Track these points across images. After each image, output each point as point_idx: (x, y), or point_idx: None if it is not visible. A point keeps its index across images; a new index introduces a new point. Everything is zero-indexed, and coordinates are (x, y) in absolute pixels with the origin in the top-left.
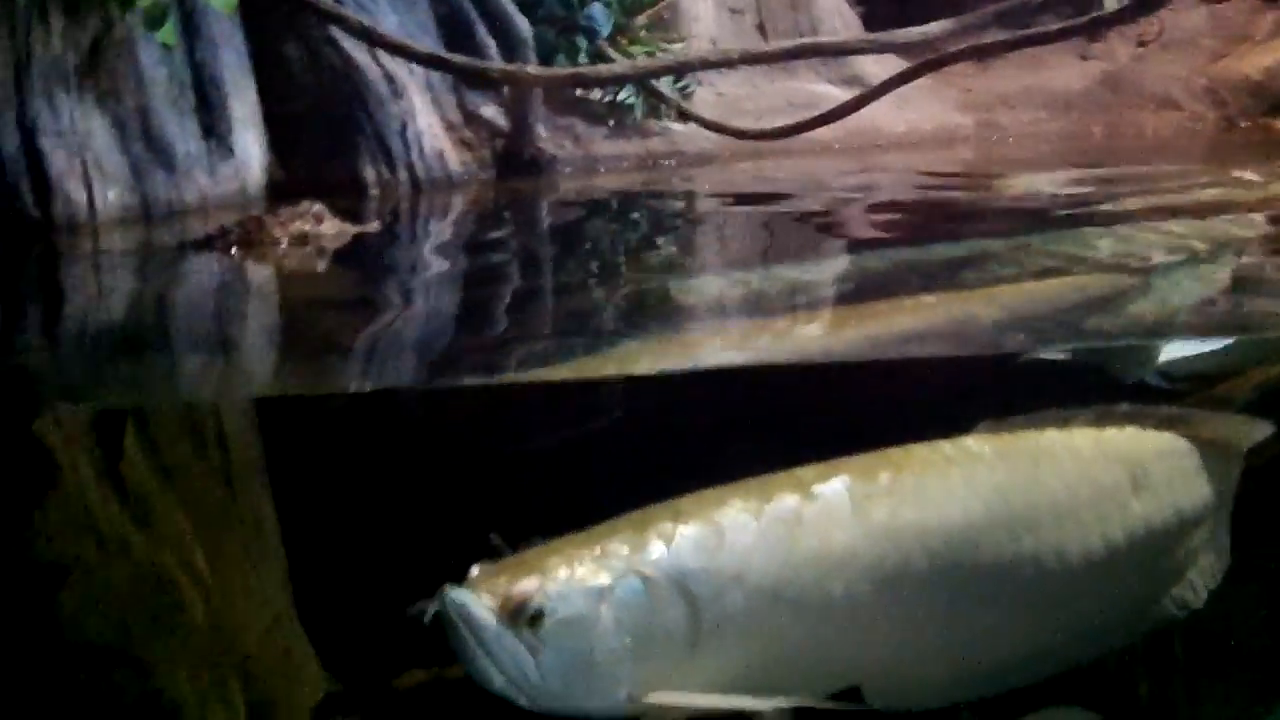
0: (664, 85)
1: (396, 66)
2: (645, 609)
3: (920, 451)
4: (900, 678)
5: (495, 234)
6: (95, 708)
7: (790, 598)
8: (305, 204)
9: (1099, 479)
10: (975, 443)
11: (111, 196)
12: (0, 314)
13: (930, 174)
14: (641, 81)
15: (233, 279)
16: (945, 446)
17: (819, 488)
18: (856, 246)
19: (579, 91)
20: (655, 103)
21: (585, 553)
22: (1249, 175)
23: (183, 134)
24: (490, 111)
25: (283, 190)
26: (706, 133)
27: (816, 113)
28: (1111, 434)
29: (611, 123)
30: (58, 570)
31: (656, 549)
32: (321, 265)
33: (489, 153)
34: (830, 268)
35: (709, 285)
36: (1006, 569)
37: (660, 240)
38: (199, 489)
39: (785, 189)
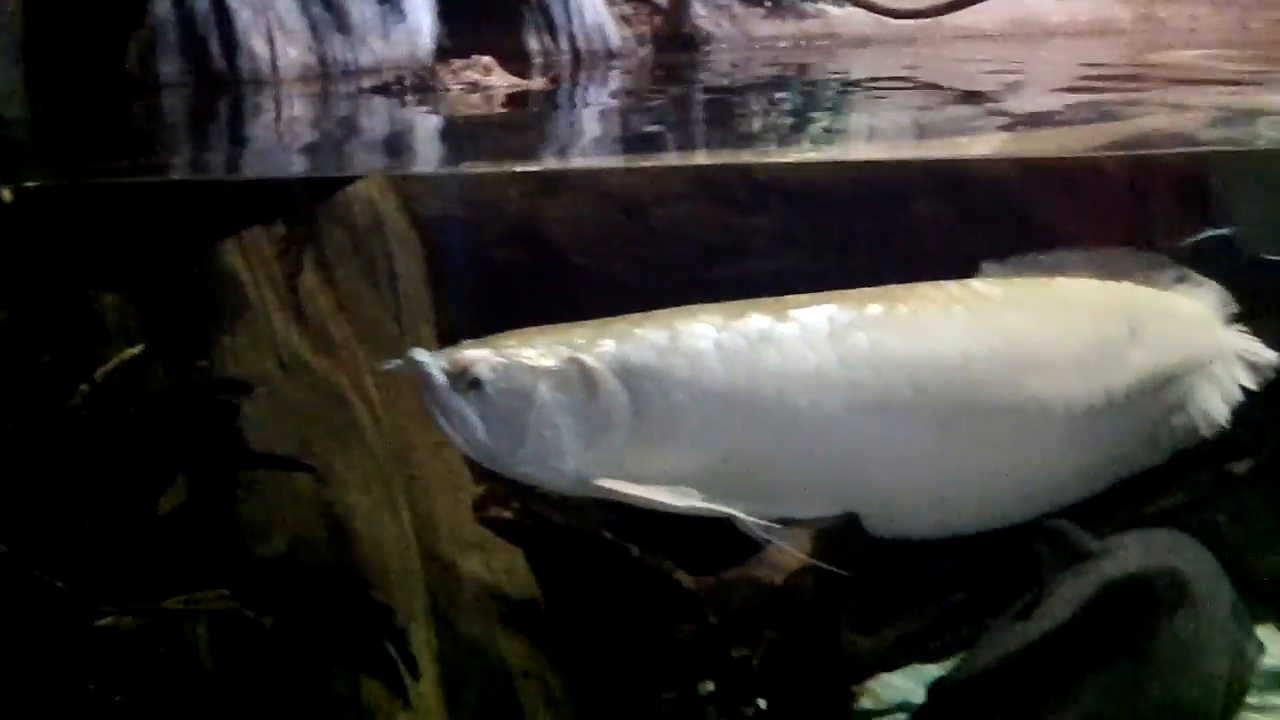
0: None
1: None
2: (585, 395)
3: (924, 289)
4: (886, 505)
5: (652, 91)
6: (277, 511)
7: (746, 409)
8: (475, 57)
9: (1102, 328)
10: (982, 284)
11: (293, 54)
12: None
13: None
14: None
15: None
16: (951, 286)
17: (799, 311)
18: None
19: None
20: None
21: (546, 338)
22: None
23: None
24: None
25: (451, 57)
26: (863, 16)
27: None
28: (1113, 285)
29: (769, 3)
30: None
31: (607, 344)
32: (493, 105)
33: (648, 28)
34: None
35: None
36: (1008, 408)
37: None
38: (370, 314)
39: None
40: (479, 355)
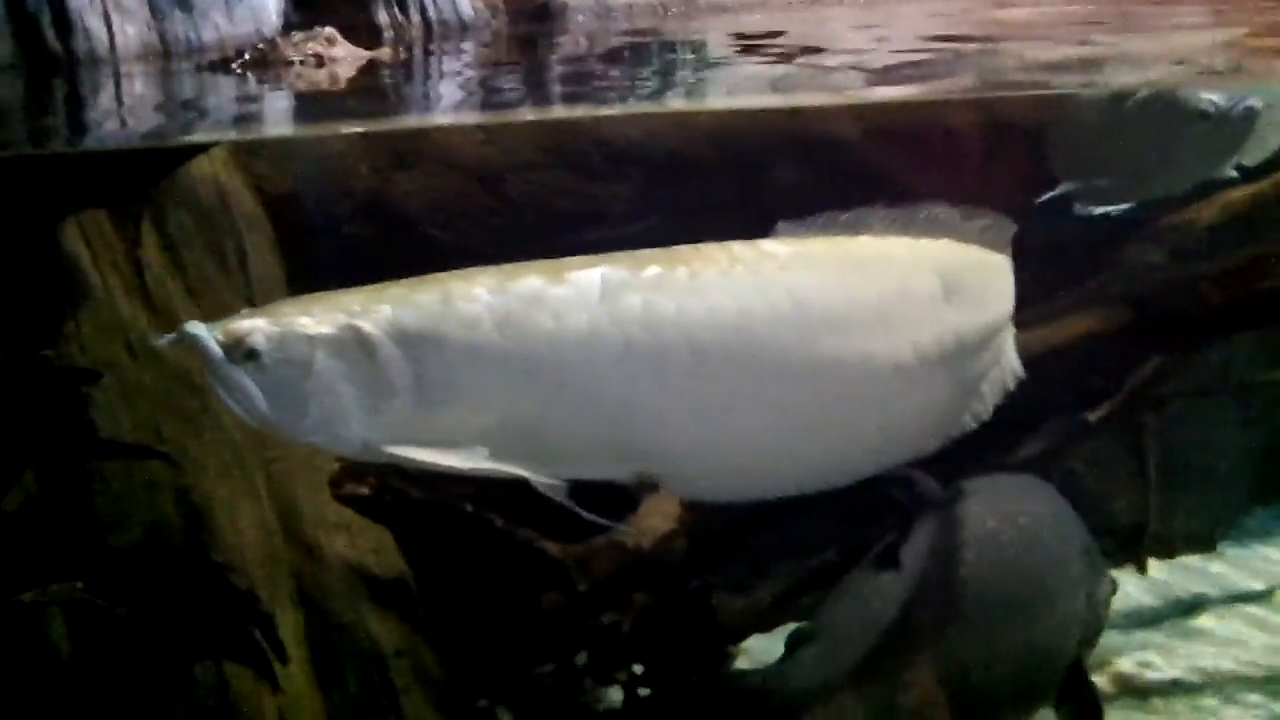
0: None
1: None
2: (363, 362)
3: (709, 250)
4: (680, 466)
5: (505, 61)
6: (131, 500)
7: (520, 371)
8: (317, 29)
9: (908, 285)
10: (772, 244)
11: (131, 32)
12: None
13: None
14: None
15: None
16: (736, 246)
17: (574, 273)
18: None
19: None
20: None
21: (322, 305)
22: None
23: None
24: None
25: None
26: None
27: None
28: (922, 242)
29: None
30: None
31: (383, 309)
32: (338, 77)
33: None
34: None
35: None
36: (799, 368)
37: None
38: (221, 296)
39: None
40: (254, 325)
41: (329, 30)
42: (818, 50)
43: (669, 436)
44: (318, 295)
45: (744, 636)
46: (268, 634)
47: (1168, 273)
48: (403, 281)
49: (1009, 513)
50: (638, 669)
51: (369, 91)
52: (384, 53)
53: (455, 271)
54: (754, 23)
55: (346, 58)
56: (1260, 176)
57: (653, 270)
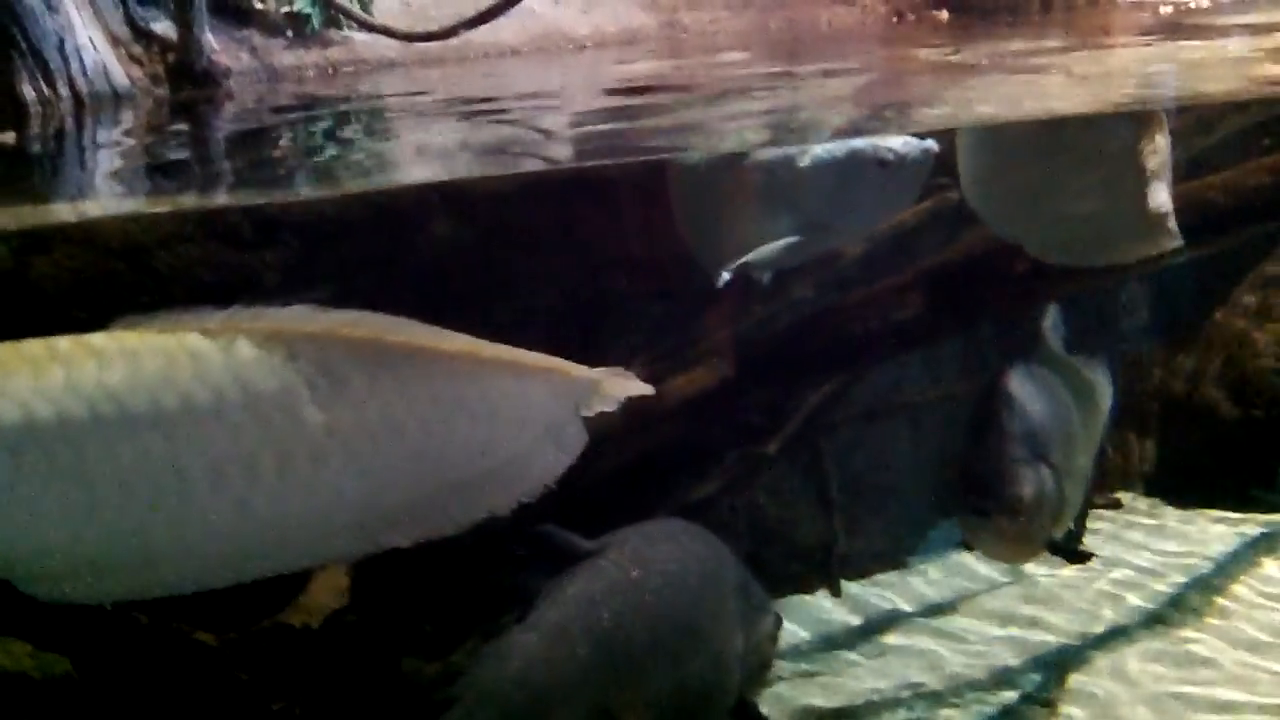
0: None
1: None
2: None
3: (29, 348)
4: (35, 570)
5: (144, 137)
6: None
7: None
8: None
9: (260, 383)
10: (103, 339)
11: None
12: None
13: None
14: None
15: None
16: (62, 343)
17: None
18: None
19: (257, 3)
20: (333, 12)
21: None
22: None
23: None
24: (160, 25)
25: None
26: (389, 40)
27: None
28: (291, 336)
29: (290, 33)
30: None
31: None
32: None
33: (161, 66)
34: None
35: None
36: (127, 469)
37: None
38: None
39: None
40: None
41: None
42: (488, 102)
43: (15, 540)
44: None
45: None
46: None
47: (816, 305)
48: None
49: (653, 559)
50: None
51: None
52: (7, 136)
53: None
54: (427, 79)
55: None
56: None
57: None
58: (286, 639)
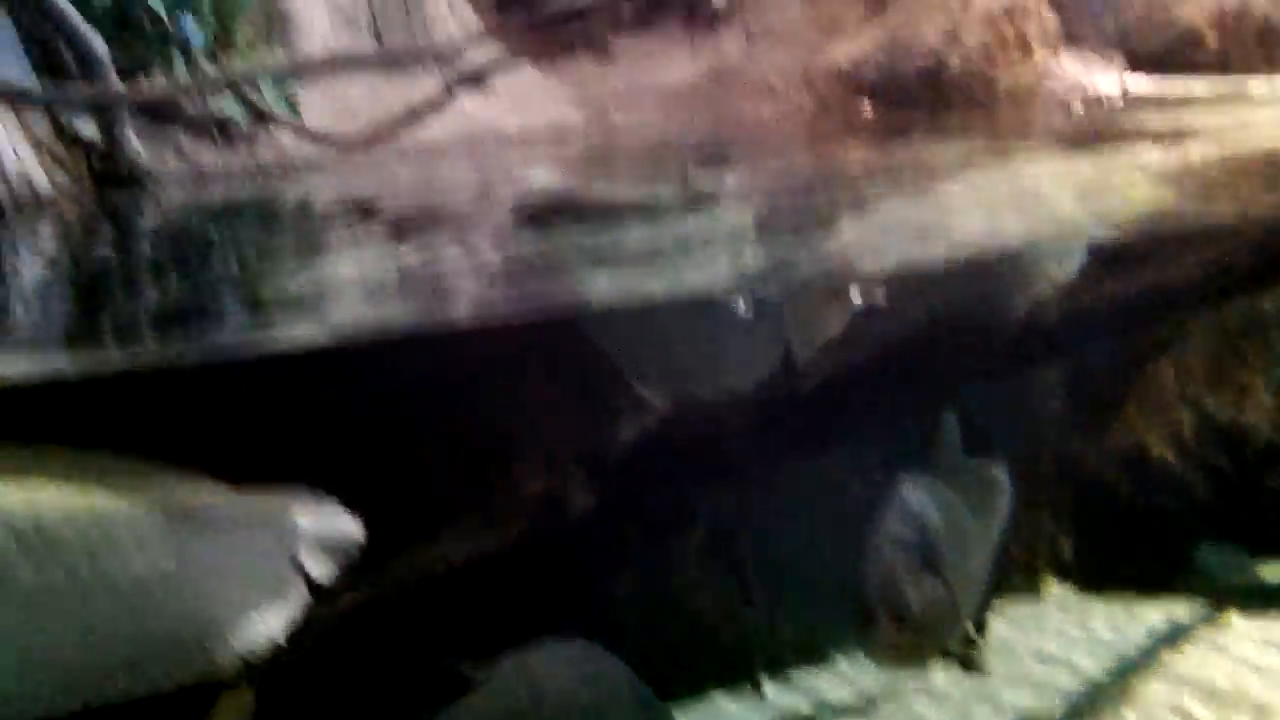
0: (266, 96)
1: None
2: None
3: None
4: None
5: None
6: None
7: None
8: None
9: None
10: None
11: None
12: None
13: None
14: (236, 92)
15: None
16: None
17: None
18: None
19: (184, 106)
20: (259, 114)
21: None
22: None
23: None
24: (85, 128)
25: None
26: (317, 141)
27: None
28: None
29: (218, 134)
30: None
31: None
32: None
33: (85, 169)
34: None
35: None
36: None
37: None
38: None
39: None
40: None
41: None
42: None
43: None
44: None
45: None
46: None
47: None
48: None
49: (543, 681)
50: None
51: None
52: None
53: None
54: (353, 182)
55: None
56: None
57: None
58: None
